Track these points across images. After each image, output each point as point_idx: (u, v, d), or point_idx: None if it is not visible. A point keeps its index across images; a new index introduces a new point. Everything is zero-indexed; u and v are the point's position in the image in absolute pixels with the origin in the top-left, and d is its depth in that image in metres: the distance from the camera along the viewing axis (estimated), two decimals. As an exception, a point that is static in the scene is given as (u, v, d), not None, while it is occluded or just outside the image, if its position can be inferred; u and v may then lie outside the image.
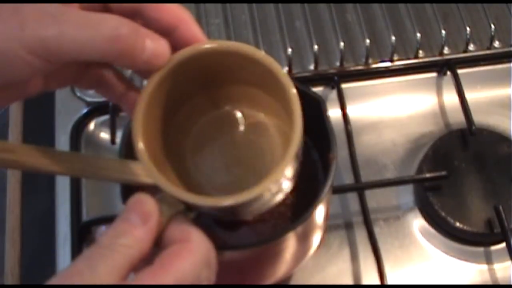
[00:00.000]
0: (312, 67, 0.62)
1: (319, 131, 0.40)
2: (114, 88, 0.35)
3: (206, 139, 0.38)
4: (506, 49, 0.63)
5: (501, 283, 0.52)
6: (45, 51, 0.28)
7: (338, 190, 0.55)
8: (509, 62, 0.63)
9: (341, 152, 0.55)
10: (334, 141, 0.39)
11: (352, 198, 0.55)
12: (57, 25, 0.28)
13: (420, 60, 0.62)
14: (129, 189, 0.34)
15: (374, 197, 0.55)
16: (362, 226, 0.54)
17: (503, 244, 0.53)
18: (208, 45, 0.33)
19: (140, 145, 0.31)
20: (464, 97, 0.59)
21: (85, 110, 0.59)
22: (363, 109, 0.61)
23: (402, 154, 0.59)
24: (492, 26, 0.62)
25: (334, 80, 0.60)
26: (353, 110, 0.59)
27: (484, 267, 0.53)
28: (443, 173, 0.54)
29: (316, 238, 0.43)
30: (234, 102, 0.38)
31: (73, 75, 0.33)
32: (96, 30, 0.28)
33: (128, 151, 0.35)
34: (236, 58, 0.33)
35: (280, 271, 0.43)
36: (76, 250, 0.52)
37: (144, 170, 0.31)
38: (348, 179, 0.56)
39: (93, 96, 0.60)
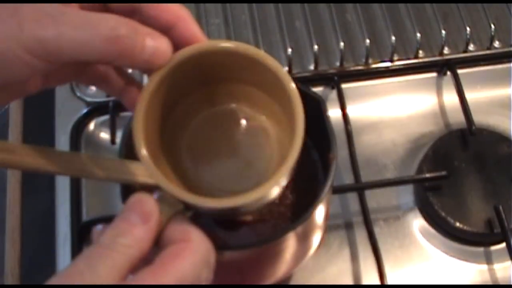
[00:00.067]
0: (312, 67, 0.62)
1: (319, 131, 0.40)
2: (114, 83, 0.35)
3: (203, 135, 0.38)
4: (506, 49, 0.63)
5: (501, 283, 0.52)
6: (44, 52, 0.28)
7: (338, 190, 0.54)
8: (509, 62, 0.63)
9: (341, 152, 0.55)
10: (334, 141, 0.39)
11: (352, 198, 0.55)
12: (56, 25, 0.28)
13: (420, 60, 0.62)
14: (129, 189, 0.34)
15: (374, 197, 0.55)
16: (362, 226, 0.54)
17: (503, 244, 0.53)
18: (209, 44, 0.33)
19: (142, 147, 0.31)
20: (464, 97, 0.59)
21: (85, 110, 0.59)
22: (363, 109, 0.61)
23: (402, 154, 0.58)
24: (492, 26, 0.62)
25: (334, 80, 0.60)
26: (353, 110, 0.59)
27: (484, 267, 0.53)
28: (443, 173, 0.54)
29: (316, 238, 0.43)
30: (233, 100, 0.38)
31: (73, 72, 0.34)
32: (95, 31, 0.28)
33: (128, 151, 0.35)
34: (237, 58, 0.33)
35: (280, 271, 0.43)
36: (76, 250, 0.52)
37: (145, 170, 0.31)
38: (348, 179, 0.56)
39: (93, 96, 0.60)
